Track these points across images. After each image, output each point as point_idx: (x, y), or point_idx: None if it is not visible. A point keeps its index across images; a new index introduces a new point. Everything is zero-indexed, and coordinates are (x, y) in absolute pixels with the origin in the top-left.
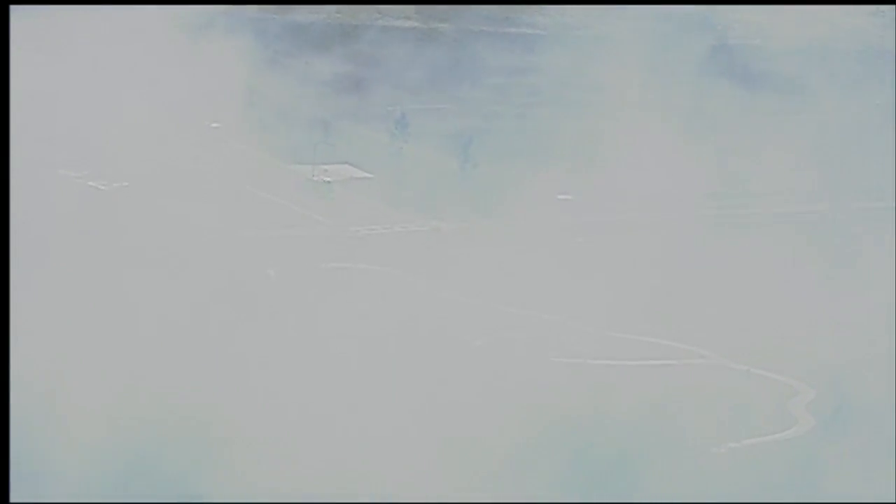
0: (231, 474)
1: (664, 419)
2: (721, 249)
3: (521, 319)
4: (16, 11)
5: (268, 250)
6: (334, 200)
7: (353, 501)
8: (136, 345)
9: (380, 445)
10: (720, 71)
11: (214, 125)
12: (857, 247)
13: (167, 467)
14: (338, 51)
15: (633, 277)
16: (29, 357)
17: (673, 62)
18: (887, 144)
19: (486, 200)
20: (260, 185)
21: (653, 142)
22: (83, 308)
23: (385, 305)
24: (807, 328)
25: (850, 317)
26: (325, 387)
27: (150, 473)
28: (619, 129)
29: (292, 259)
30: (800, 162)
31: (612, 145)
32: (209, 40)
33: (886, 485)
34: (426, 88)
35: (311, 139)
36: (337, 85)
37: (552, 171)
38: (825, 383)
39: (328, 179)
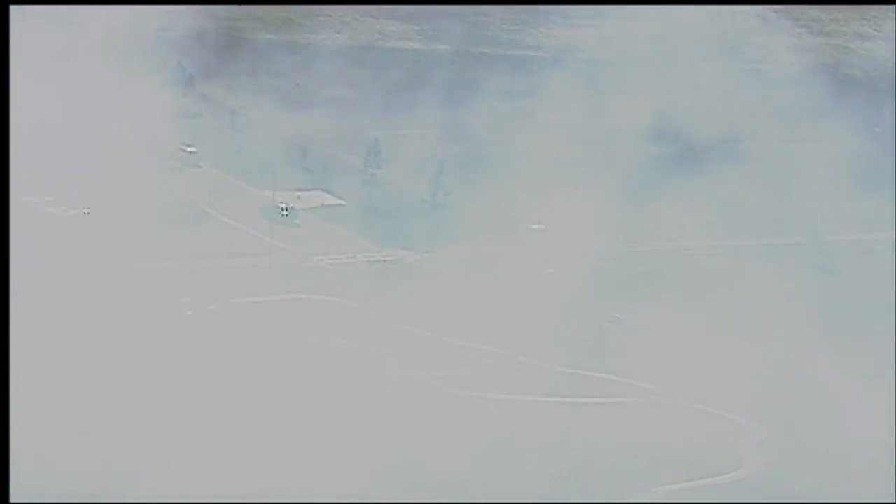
0: None
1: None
2: (699, 282)
3: (473, 354)
4: None
5: (222, 279)
6: (297, 227)
7: (353, 501)
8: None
9: (303, 479)
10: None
11: (190, 149)
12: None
13: None
14: (332, 73)
15: (595, 311)
16: None
17: (673, 88)
18: None
19: (456, 229)
20: (227, 212)
21: (645, 171)
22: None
23: (333, 339)
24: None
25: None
26: (254, 421)
27: None
28: (609, 156)
29: (246, 289)
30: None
31: (598, 173)
32: (191, 57)
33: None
34: (414, 112)
35: (289, 163)
36: (323, 108)
37: (531, 199)
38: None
39: (283, 206)
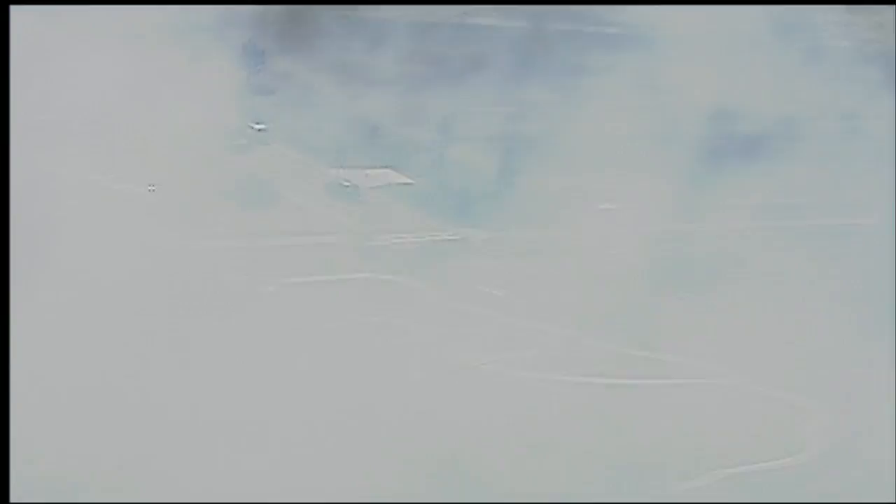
0: None
1: (682, 442)
2: (764, 264)
3: (535, 335)
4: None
5: (284, 258)
6: (364, 206)
7: (352, 501)
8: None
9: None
10: (810, 74)
11: (259, 126)
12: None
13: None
14: (405, 49)
15: (660, 292)
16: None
17: (756, 65)
18: None
19: (525, 209)
20: (294, 190)
21: (715, 152)
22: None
23: (394, 319)
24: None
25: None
26: (315, 405)
27: None
28: (681, 136)
29: (308, 268)
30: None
31: (669, 154)
32: (264, 33)
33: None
34: (487, 89)
35: (359, 141)
36: (396, 85)
37: (601, 178)
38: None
39: (347, 183)
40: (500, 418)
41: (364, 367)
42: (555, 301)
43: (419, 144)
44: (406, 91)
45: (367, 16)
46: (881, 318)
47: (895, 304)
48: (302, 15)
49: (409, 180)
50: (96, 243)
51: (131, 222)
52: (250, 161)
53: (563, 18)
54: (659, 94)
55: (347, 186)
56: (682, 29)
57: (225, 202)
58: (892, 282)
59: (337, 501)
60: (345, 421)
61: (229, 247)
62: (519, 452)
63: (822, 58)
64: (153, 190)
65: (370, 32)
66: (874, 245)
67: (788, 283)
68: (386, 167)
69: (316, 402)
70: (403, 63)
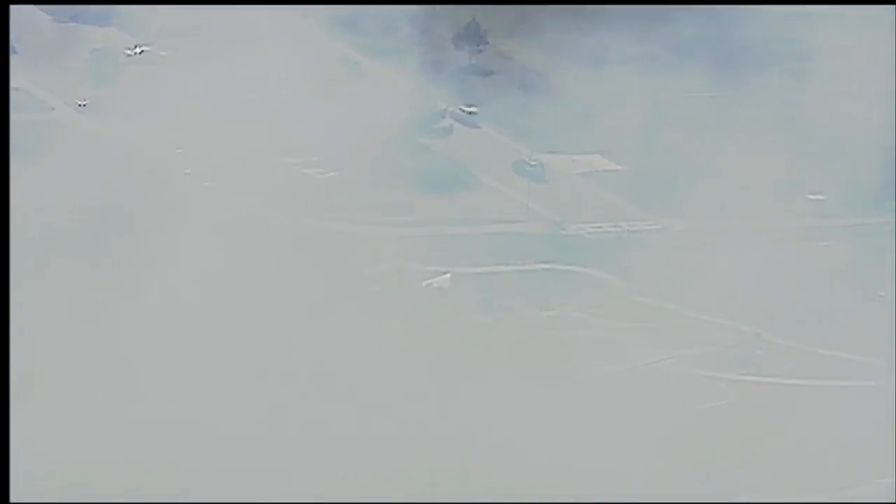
0: None
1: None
2: None
3: (717, 331)
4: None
5: (469, 246)
6: (562, 192)
7: (352, 501)
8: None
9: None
10: None
11: (469, 109)
12: None
13: None
14: (630, 32)
15: (859, 286)
16: None
17: None
18: None
19: (732, 198)
20: (493, 175)
21: None
22: None
23: (572, 313)
24: None
25: None
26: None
27: None
28: None
29: (493, 256)
30: None
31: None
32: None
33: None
34: (708, 74)
35: (572, 125)
36: (622, 68)
37: (811, 167)
38: None
39: (532, 163)
40: (670, 418)
41: (538, 362)
42: (745, 297)
43: (634, 129)
44: (629, 74)
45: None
46: None
47: None
48: None
49: (617, 166)
50: (276, 225)
51: (315, 206)
52: (452, 145)
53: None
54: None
55: (534, 166)
56: None
57: (417, 187)
58: None
59: (336, 501)
60: (514, 412)
61: (409, 234)
62: (684, 454)
63: None
64: (338, 174)
65: (597, 14)
66: None
67: None
68: (595, 153)
69: (473, 402)
70: (628, 46)
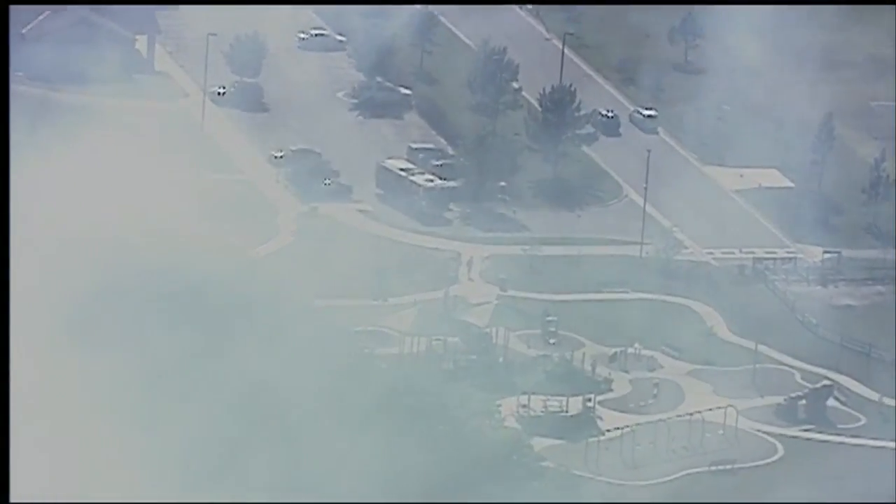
0: None
1: None
2: None
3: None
4: None
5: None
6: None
7: (352, 501)
8: None
9: None
10: None
11: (648, 112)
12: None
13: None
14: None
15: None
16: None
17: None
18: None
19: (888, 227)
20: (645, 190)
21: None
22: None
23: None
24: None
25: None
26: None
27: None
28: None
29: (596, 282)
30: None
31: None
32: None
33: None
34: None
35: (759, 134)
36: (840, 72)
37: None
38: None
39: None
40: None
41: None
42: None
43: (832, 142)
44: (852, 80)
45: None
46: None
47: None
48: None
49: (790, 183)
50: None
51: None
52: (619, 152)
53: None
54: None
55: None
56: None
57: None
58: None
59: (341, 502)
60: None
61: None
62: None
63: None
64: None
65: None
66: None
67: None
68: (772, 167)
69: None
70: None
